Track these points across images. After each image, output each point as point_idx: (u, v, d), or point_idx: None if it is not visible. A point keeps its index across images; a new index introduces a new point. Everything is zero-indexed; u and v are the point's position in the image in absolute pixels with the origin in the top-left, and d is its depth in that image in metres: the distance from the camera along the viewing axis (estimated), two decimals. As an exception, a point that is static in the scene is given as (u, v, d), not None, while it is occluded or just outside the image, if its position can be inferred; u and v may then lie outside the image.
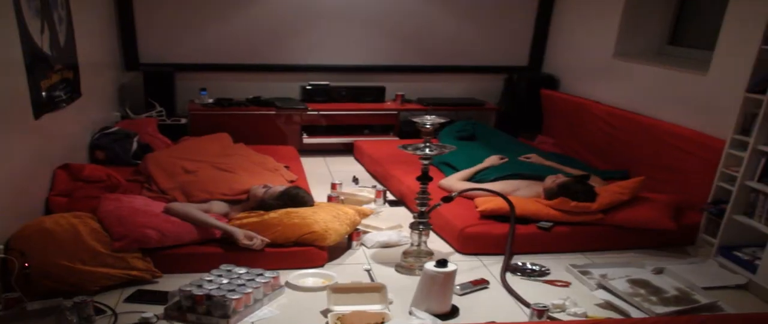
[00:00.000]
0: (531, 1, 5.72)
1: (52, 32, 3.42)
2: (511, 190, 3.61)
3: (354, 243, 3.35)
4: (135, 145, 4.24)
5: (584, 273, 3.06)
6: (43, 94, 3.22)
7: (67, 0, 3.73)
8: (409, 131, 5.31)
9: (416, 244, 3.14)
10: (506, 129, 5.39)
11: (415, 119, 3.04)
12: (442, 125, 3.05)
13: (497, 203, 3.36)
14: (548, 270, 3.14)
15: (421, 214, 3.10)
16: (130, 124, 4.62)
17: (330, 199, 3.84)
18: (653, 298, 2.77)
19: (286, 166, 4.23)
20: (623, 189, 3.52)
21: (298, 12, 5.35)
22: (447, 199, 3.18)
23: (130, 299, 2.69)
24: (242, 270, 2.79)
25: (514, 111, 5.71)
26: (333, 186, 4.10)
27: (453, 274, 2.62)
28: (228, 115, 5.03)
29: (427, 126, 2.99)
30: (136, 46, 5.15)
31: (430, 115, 3.03)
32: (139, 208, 3.01)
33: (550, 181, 3.61)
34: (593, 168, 4.33)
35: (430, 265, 2.62)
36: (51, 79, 3.35)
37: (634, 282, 2.92)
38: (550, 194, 3.53)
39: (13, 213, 2.83)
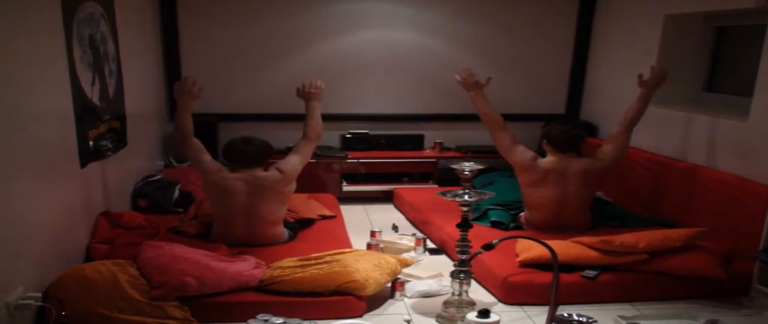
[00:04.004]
0: (566, 50, 5.74)
1: (103, 84, 3.54)
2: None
3: (397, 293, 3.28)
4: (176, 193, 4.30)
5: (633, 325, 2.95)
6: (91, 143, 3.31)
7: (118, 54, 3.87)
8: (447, 179, 5.29)
9: (457, 293, 3.07)
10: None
11: (454, 166, 3.03)
12: (479, 171, 3.02)
13: (538, 252, 3.28)
14: (595, 321, 3.02)
15: (461, 263, 3.05)
16: (173, 173, 4.70)
17: (369, 246, 3.82)
18: (706, 352, 2.67)
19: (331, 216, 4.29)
20: (679, 235, 3.39)
21: (337, 63, 5.44)
22: (488, 247, 3.13)
23: (164, 349, 2.68)
24: (279, 320, 2.76)
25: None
26: (372, 234, 4.09)
27: (496, 324, 2.57)
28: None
29: (466, 172, 2.97)
30: (181, 97, 5.29)
31: (469, 161, 3.01)
32: (180, 255, 3.01)
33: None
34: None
35: (471, 316, 2.57)
36: (99, 129, 3.45)
37: (687, 335, 2.81)
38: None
39: (55, 260, 2.87)
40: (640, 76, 3.96)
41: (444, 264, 3.76)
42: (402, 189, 5.16)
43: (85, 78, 3.24)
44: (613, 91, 5.28)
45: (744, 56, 4.30)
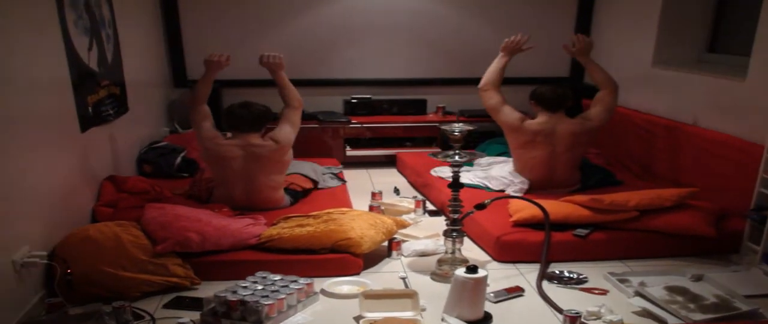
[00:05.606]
0: (569, 13, 5.70)
1: (101, 50, 3.57)
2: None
3: (394, 252, 3.36)
4: (179, 159, 4.37)
5: (622, 281, 3.00)
6: (90, 109, 3.35)
7: (114, 19, 3.89)
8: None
9: (451, 251, 3.14)
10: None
11: (444, 127, 3.06)
12: (469, 133, 3.04)
13: (531, 212, 3.32)
14: (586, 278, 3.09)
15: (453, 222, 3.10)
16: (178, 139, 4.76)
17: (371, 208, 3.88)
18: (691, 306, 2.70)
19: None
20: (671, 194, 3.43)
21: (340, 27, 5.45)
22: (480, 207, 3.18)
23: (169, 305, 2.77)
24: (277, 277, 2.84)
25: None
26: (374, 196, 4.14)
27: (483, 280, 2.61)
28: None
29: (456, 133, 3.00)
30: (184, 63, 5.33)
31: (459, 123, 3.03)
32: (182, 214, 3.10)
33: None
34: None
35: (460, 272, 2.62)
36: (98, 95, 3.50)
37: (672, 289, 2.84)
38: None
39: (61, 222, 2.95)
40: (566, 46, 4.08)
41: (442, 225, 3.79)
42: (404, 153, 5.20)
43: (81, 43, 3.26)
44: (616, 53, 5.24)
45: (748, 16, 4.24)
